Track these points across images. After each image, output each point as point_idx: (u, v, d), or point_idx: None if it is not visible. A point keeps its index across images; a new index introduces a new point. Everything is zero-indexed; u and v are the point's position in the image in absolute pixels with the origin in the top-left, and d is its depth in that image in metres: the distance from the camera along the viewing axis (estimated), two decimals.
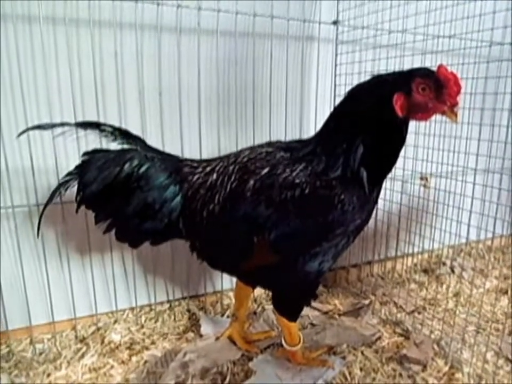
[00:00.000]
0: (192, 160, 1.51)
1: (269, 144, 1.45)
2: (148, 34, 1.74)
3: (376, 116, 1.25)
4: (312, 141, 1.37)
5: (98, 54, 1.68)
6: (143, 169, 1.38)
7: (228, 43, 1.88)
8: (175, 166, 1.45)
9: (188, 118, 1.86)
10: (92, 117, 1.67)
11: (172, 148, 1.74)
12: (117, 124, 1.72)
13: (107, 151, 1.41)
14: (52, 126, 1.36)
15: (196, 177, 1.43)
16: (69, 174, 1.39)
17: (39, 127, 1.36)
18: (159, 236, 1.49)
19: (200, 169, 1.45)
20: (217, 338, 1.77)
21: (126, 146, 1.42)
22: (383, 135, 1.27)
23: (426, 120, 1.28)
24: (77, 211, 1.42)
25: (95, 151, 1.41)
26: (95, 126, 1.39)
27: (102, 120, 1.67)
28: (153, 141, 1.77)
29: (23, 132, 1.38)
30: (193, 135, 1.86)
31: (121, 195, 1.38)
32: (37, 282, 1.78)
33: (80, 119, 1.66)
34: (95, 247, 1.84)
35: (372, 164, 1.28)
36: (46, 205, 1.41)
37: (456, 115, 1.21)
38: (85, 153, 1.40)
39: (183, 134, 1.82)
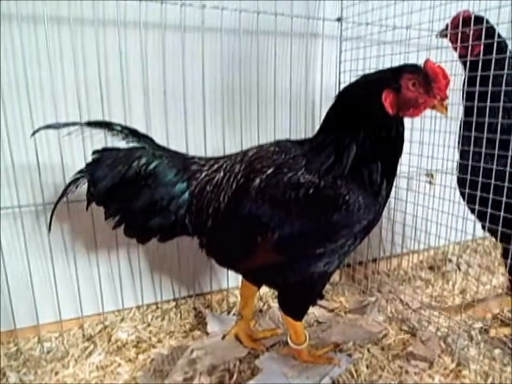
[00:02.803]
0: (200, 158, 1.51)
1: (277, 142, 1.45)
2: (152, 32, 1.74)
3: (367, 114, 1.25)
4: (312, 141, 1.37)
5: (102, 53, 1.68)
6: (151, 167, 1.39)
7: (232, 41, 1.87)
8: (183, 163, 1.45)
9: (192, 116, 1.86)
10: (97, 116, 1.68)
11: (176, 146, 1.75)
12: (121, 122, 1.73)
13: (116, 150, 1.42)
14: (63, 125, 1.38)
15: (203, 174, 1.44)
16: (79, 171, 1.41)
17: (49, 126, 1.37)
18: (166, 232, 1.49)
19: (207, 167, 1.46)
20: (223, 337, 1.77)
21: (134, 144, 1.43)
22: (377, 133, 1.26)
23: (418, 116, 1.28)
24: (87, 208, 1.45)
25: (104, 150, 1.42)
26: (104, 125, 1.41)
27: (107, 119, 1.69)
28: (158, 139, 1.78)
29: (35, 132, 1.39)
30: (198, 133, 1.87)
31: (130, 192, 1.40)
32: (44, 281, 1.79)
33: (85, 118, 1.67)
34: (101, 245, 1.84)
35: (371, 162, 1.28)
36: (57, 202, 1.44)
37: (446, 108, 1.24)
38: (95, 152, 1.42)
39: (188, 132, 1.82)
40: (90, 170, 1.40)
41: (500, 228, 1.49)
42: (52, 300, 1.78)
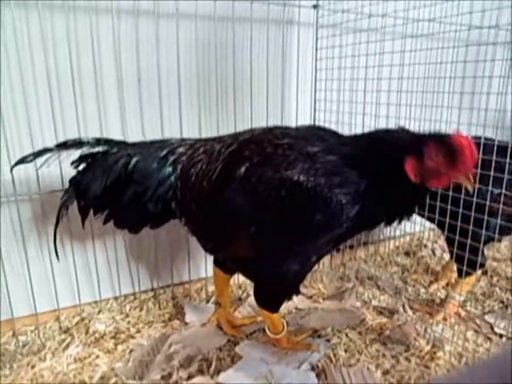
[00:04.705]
0: (187, 140, 1.50)
1: (273, 128, 1.42)
2: (125, 19, 1.70)
3: (392, 175, 1.24)
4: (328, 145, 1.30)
5: (74, 40, 1.63)
6: (131, 165, 1.39)
7: (207, 27, 1.85)
8: (167, 148, 1.44)
9: (167, 104, 1.84)
10: (69, 106, 1.65)
11: (152, 135, 1.72)
12: (95, 112, 1.70)
13: (93, 156, 1.42)
14: (35, 155, 1.39)
15: (189, 157, 1.42)
16: (66, 192, 1.44)
17: (23, 161, 1.39)
18: (157, 219, 1.50)
19: (193, 149, 1.44)
20: (203, 325, 1.78)
21: (109, 150, 1.43)
22: (394, 192, 1.27)
23: (443, 186, 1.30)
24: (83, 224, 1.49)
25: (82, 158, 1.42)
26: (74, 143, 1.41)
27: (80, 108, 1.67)
28: (133, 128, 1.76)
29: (13, 167, 1.42)
30: (174, 121, 1.84)
31: (117, 192, 1.41)
32: (18, 274, 1.75)
33: (57, 108, 1.64)
34: (76, 236, 1.81)
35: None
36: (56, 227, 1.48)
37: (471, 181, 1.20)
38: (73, 162, 1.43)
39: (163, 120, 1.79)
40: (75, 188, 1.43)
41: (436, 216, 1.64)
42: (27, 292, 1.75)
